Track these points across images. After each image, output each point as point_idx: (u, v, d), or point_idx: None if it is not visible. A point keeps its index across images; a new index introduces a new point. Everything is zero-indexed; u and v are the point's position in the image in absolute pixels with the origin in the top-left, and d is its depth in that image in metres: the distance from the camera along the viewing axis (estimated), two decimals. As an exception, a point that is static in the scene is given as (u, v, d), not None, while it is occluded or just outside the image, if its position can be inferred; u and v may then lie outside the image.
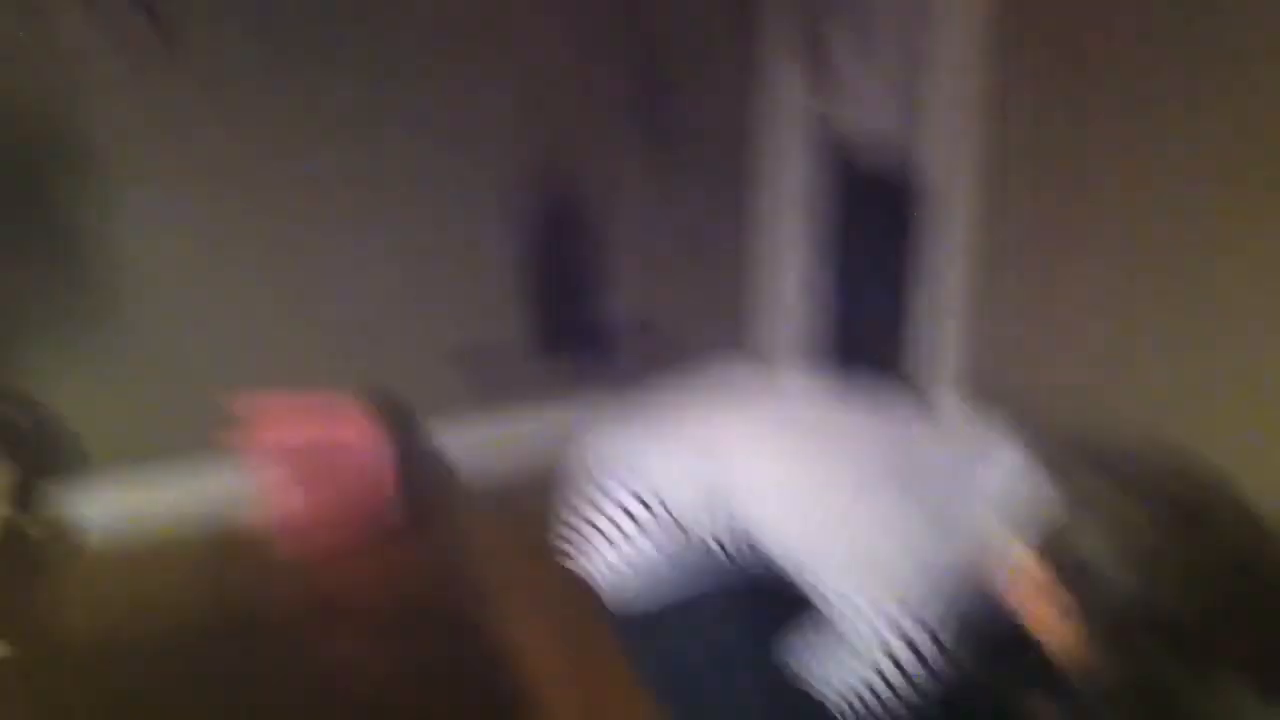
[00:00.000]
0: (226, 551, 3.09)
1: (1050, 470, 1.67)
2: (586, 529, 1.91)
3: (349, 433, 3.12)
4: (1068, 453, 1.72)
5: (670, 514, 1.84)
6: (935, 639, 1.65)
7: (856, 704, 1.70)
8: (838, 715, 1.72)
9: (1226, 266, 2.09)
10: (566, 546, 1.94)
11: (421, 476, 3.44)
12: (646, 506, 1.85)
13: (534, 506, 2.12)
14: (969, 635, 1.68)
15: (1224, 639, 1.55)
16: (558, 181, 3.37)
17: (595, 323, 3.56)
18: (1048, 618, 1.63)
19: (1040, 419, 1.82)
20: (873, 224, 3.27)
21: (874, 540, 1.65)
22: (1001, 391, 2.67)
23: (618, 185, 3.45)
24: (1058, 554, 1.59)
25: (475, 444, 3.51)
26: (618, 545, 1.88)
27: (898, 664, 1.65)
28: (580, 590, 1.94)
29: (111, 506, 3.15)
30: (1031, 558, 1.62)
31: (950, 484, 1.69)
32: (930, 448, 1.75)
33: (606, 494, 1.90)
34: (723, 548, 1.85)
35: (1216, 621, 1.53)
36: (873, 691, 1.68)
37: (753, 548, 1.82)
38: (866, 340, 3.39)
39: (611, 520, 1.89)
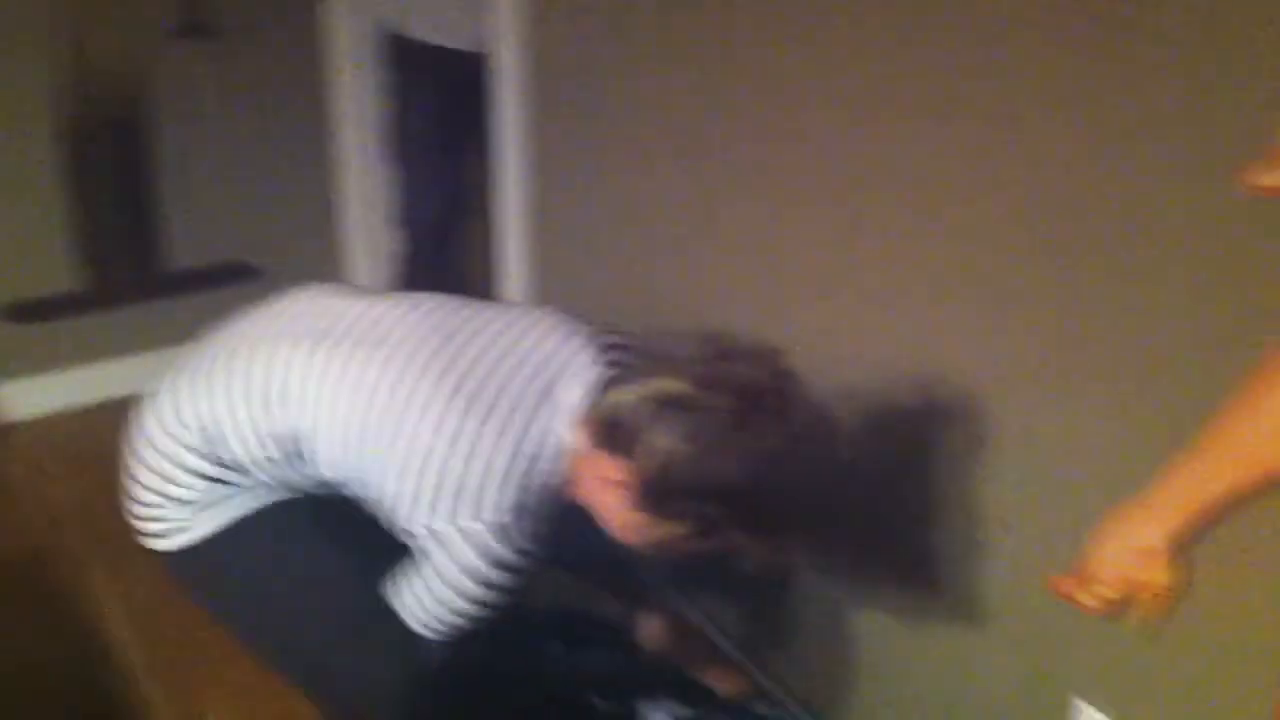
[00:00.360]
0: None
1: (611, 357, 1.79)
2: (146, 483, 1.89)
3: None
4: (626, 340, 1.86)
5: (230, 457, 1.83)
6: (513, 548, 1.71)
7: (434, 621, 1.78)
8: (419, 631, 1.79)
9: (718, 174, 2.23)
10: (131, 504, 1.93)
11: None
12: (203, 455, 1.84)
13: (104, 466, 2.13)
14: (541, 540, 1.76)
15: (774, 511, 1.67)
16: (113, 112, 3.25)
17: (171, 268, 3.50)
18: (616, 508, 1.71)
19: (601, 314, 1.94)
20: (444, 133, 3.38)
21: (443, 460, 1.69)
22: (565, 291, 2.81)
23: (185, 120, 3.37)
24: (621, 439, 1.66)
25: (39, 403, 3.43)
26: (179, 497, 1.87)
27: (473, 578, 1.72)
28: (149, 552, 1.95)
29: None
30: (599, 447, 1.70)
31: (519, 386, 1.75)
32: (500, 350, 1.79)
33: (165, 444, 1.87)
34: (286, 485, 1.87)
35: (767, 496, 1.63)
36: (450, 608, 1.76)
37: (324, 484, 1.84)
38: (448, 253, 3.53)
39: (169, 475, 1.87)
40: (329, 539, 1.90)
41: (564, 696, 2.19)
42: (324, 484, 1.85)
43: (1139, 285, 1.54)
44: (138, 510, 1.92)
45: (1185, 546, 1.50)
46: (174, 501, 1.87)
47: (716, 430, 1.60)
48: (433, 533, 1.72)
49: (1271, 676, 1.44)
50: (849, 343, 2.01)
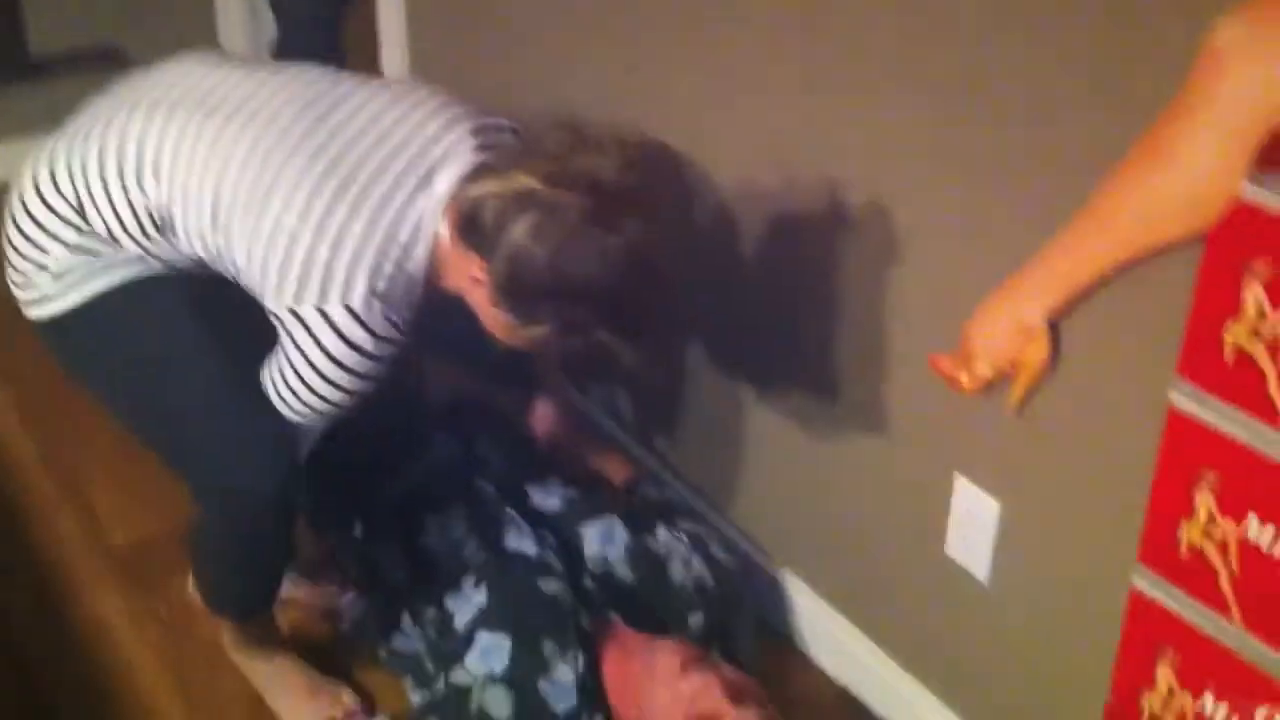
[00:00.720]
0: None
1: (488, 142, 1.77)
2: (21, 250, 1.85)
3: None
4: (506, 126, 1.83)
5: (103, 228, 1.80)
6: (375, 335, 1.70)
7: (299, 404, 1.78)
8: (286, 414, 1.79)
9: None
10: (9, 270, 1.89)
11: None
12: (75, 226, 1.81)
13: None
14: (409, 329, 1.75)
15: (637, 311, 1.68)
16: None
17: (36, 53, 3.40)
18: (483, 305, 1.71)
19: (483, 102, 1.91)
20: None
21: (309, 244, 1.68)
22: (445, 76, 2.73)
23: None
24: (477, 236, 1.65)
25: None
26: (50, 267, 1.83)
27: (333, 362, 1.71)
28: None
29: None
30: (461, 241, 1.69)
31: (395, 171, 1.72)
32: (378, 132, 1.75)
33: (39, 212, 1.83)
34: (161, 261, 1.84)
35: (626, 295, 1.64)
36: (312, 392, 1.75)
37: (198, 261, 1.82)
38: (327, 35, 3.34)
39: (41, 244, 1.83)
40: (204, 316, 1.86)
41: (451, 480, 2.19)
42: (198, 261, 1.81)
43: (1029, 71, 1.51)
44: (13, 277, 1.88)
45: (1057, 322, 1.52)
46: (46, 271, 1.83)
47: (566, 229, 1.58)
48: (295, 314, 1.69)
49: (1146, 458, 1.47)
50: (735, 138, 1.97)
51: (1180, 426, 1.40)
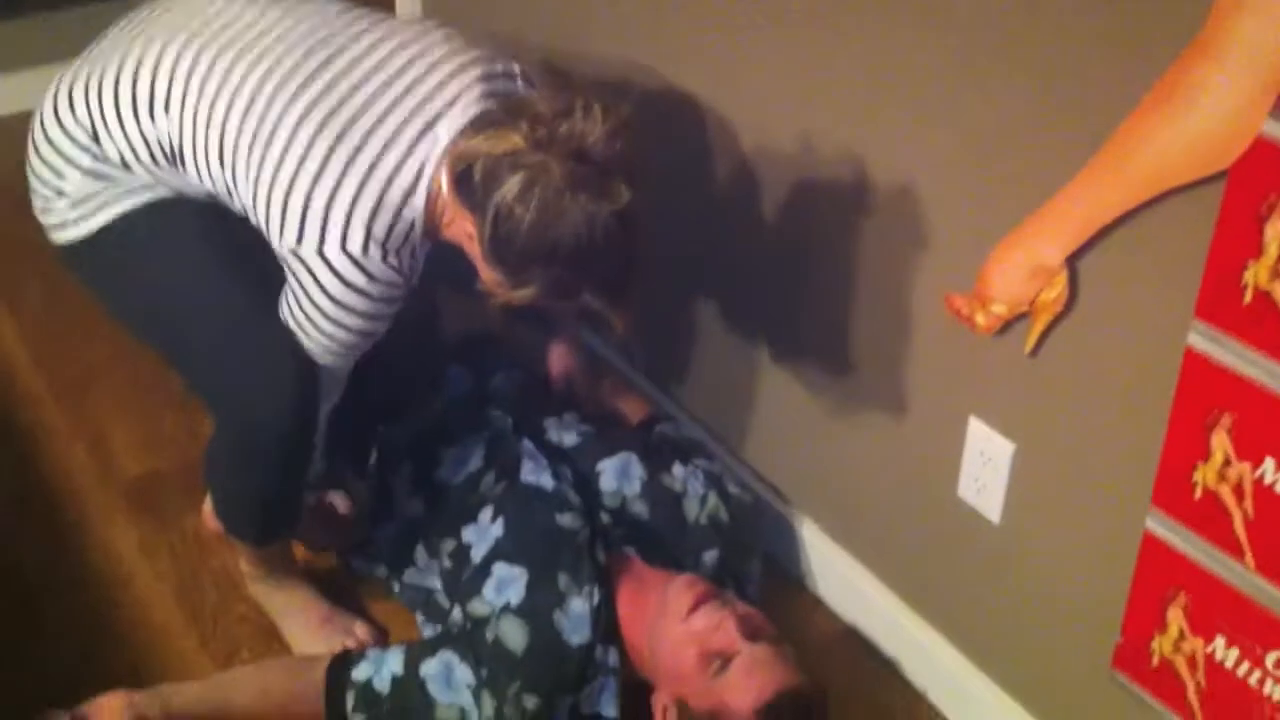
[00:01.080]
0: None
1: (495, 90, 1.76)
2: (40, 175, 1.87)
3: None
4: (515, 72, 1.82)
5: (116, 156, 1.81)
6: (378, 280, 1.71)
7: (309, 342, 1.79)
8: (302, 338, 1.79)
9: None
10: (32, 195, 1.91)
11: None
12: (91, 153, 1.81)
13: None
14: (413, 272, 1.76)
15: (625, 274, 1.69)
16: None
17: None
18: (478, 261, 1.70)
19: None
20: None
21: (307, 189, 1.68)
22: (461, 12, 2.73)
23: None
24: (469, 192, 1.65)
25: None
26: (67, 192, 1.85)
27: (337, 304, 1.72)
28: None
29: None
30: (454, 196, 1.68)
31: (399, 117, 1.72)
32: (384, 76, 1.75)
33: (57, 138, 1.84)
34: (174, 190, 1.85)
35: (614, 259, 1.64)
36: (321, 331, 1.76)
37: (209, 194, 1.82)
38: None
39: (57, 169, 1.84)
40: (223, 239, 1.87)
41: (466, 414, 2.19)
42: (209, 194, 1.83)
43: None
44: (35, 201, 1.91)
45: (1074, 263, 1.51)
46: (64, 196, 1.85)
47: (550, 193, 1.57)
48: (297, 256, 1.71)
49: (1163, 401, 1.46)
50: (754, 87, 1.95)
51: (1197, 368, 1.39)
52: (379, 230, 1.69)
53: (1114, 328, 1.51)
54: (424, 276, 1.82)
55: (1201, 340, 1.37)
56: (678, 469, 2.10)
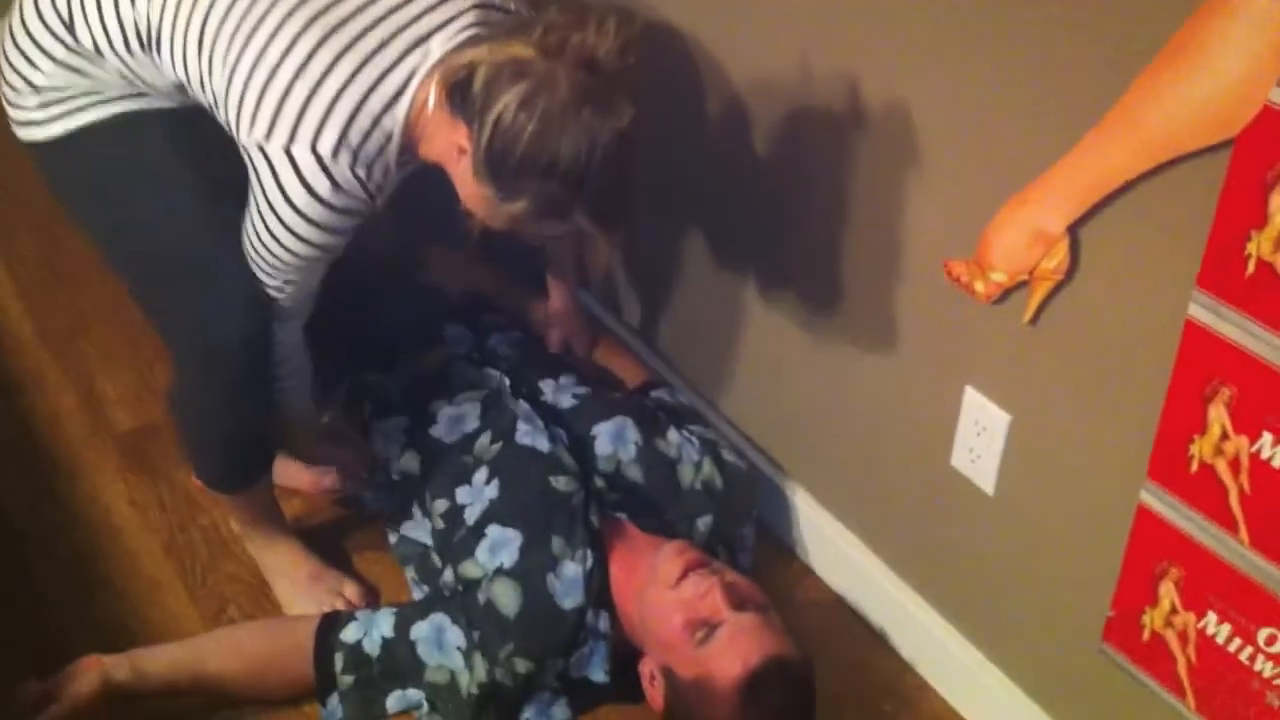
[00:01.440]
0: None
1: (489, 21, 1.72)
2: (13, 63, 1.82)
3: None
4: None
5: (89, 41, 1.76)
6: (344, 191, 1.66)
7: (264, 261, 1.75)
8: (256, 274, 1.77)
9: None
10: (3, 86, 1.87)
11: None
12: (63, 40, 1.77)
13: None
14: (381, 191, 1.71)
15: (617, 196, 1.65)
16: None
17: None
18: (464, 178, 1.66)
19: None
20: None
21: (287, 82, 1.64)
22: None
23: None
24: (464, 102, 1.60)
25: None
26: (36, 82, 1.80)
27: (298, 212, 1.67)
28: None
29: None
30: (447, 108, 1.64)
31: (391, 26, 1.67)
32: None
33: (33, 24, 1.79)
34: (144, 85, 1.81)
35: (609, 178, 1.60)
36: (279, 243, 1.71)
37: (179, 87, 1.78)
38: None
39: (30, 57, 1.79)
40: (186, 164, 1.84)
41: (463, 373, 2.18)
42: (178, 86, 1.77)
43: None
44: (6, 92, 1.86)
45: (1076, 231, 1.49)
46: (35, 91, 1.81)
47: (556, 103, 1.53)
48: (263, 152, 1.66)
49: (1162, 373, 1.44)
50: (751, 26, 1.93)
51: (1197, 339, 1.38)
52: (354, 136, 1.64)
53: (1114, 298, 1.49)
54: (405, 214, 1.78)
55: (1202, 311, 1.36)
56: (673, 434, 2.09)
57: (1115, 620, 1.62)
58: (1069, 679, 1.77)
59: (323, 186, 1.65)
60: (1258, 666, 1.46)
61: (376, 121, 1.65)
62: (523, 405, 2.08)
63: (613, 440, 2.05)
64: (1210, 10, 1.24)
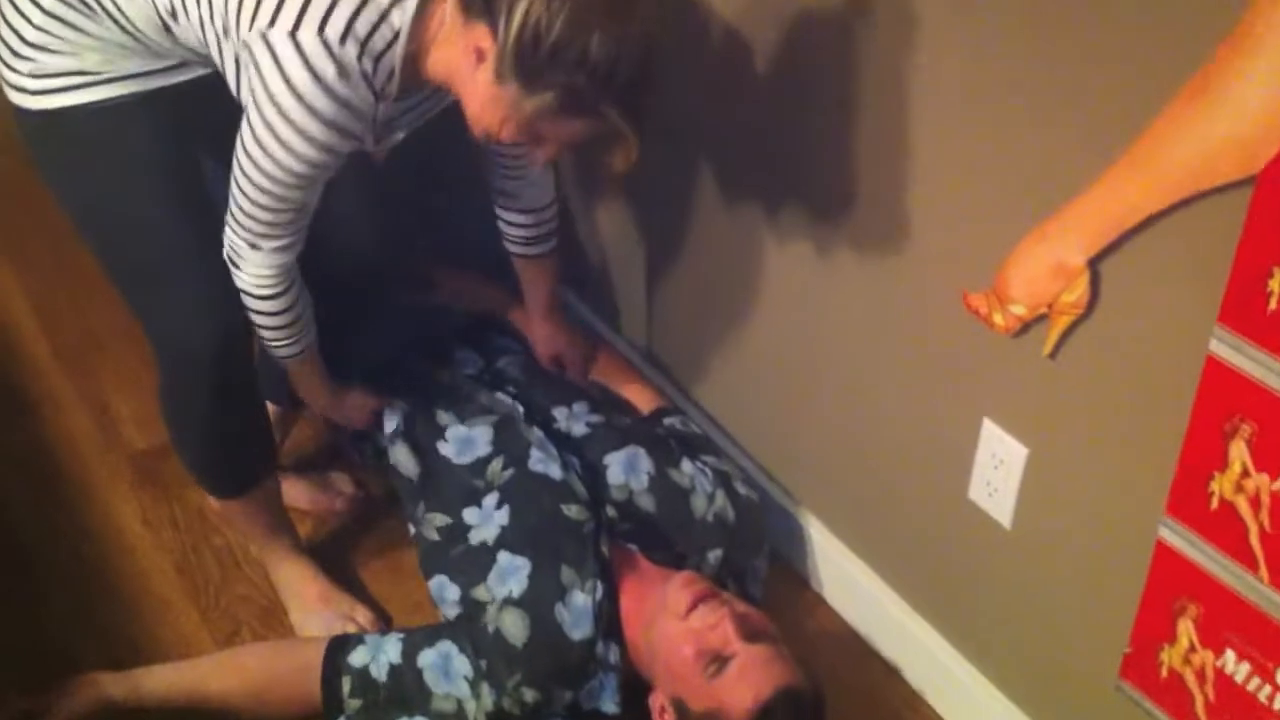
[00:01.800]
0: None
1: None
2: (7, 18, 1.76)
3: None
4: None
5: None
6: (341, 94, 1.60)
7: (251, 203, 1.70)
8: (238, 235, 1.74)
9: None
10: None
11: None
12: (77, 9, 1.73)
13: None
14: (379, 87, 1.64)
15: (642, 93, 1.60)
16: None
17: None
18: (480, 83, 1.60)
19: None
20: None
21: None
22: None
23: None
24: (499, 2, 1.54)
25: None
26: (27, 37, 1.75)
27: (299, 95, 1.60)
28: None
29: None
30: (465, 11, 1.58)
31: None
32: None
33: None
34: (134, 40, 1.75)
35: (636, 72, 1.55)
36: (274, 163, 1.66)
37: (171, 11, 1.71)
38: None
39: (23, 10, 1.74)
40: (170, 160, 1.83)
41: (474, 394, 2.18)
42: (170, 15, 1.70)
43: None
44: (1, 52, 1.79)
45: (1096, 264, 1.48)
46: (26, 44, 1.75)
47: None
48: (266, 41, 1.58)
49: (1182, 408, 1.43)
50: None
51: (1218, 375, 1.37)
52: (361, 26, 1.57)
53: (1134, 332, 1.49)
54: (407, 227, 1.74)
55: (1223, 347, 1.35)
56: (686, 465, 2.08)
57: (1132, 657, 1.61)
58: (1086, 715, 1.75)
59: (328, 72, 1.57)
60: (1276, 705, 1.44)
61: (385, 15, 1.59)
62: (536, 433, 2.07)
63: (625, 470, 2.04)
64: (1232, 49, 1.24)
